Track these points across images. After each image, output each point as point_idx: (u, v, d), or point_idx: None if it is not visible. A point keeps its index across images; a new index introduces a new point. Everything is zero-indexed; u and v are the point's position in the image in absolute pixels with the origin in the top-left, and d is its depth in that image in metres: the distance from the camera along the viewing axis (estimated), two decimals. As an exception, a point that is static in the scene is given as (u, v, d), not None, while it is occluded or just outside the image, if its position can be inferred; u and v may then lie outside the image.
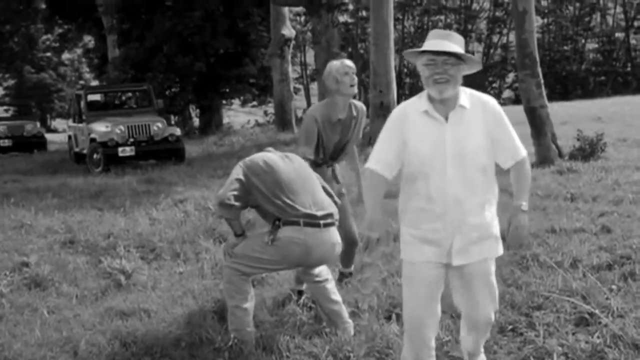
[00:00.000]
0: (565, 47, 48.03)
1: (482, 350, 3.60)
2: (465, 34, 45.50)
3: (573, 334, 3.97)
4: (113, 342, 4.27)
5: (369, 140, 11.37)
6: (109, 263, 6.08)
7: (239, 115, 38.76)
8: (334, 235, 4.18)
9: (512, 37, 40.19)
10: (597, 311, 4.12)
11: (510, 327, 4.17)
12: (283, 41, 21.03)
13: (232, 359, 3.97)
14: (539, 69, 11.54)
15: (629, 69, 47.83)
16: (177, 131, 15.74)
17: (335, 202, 4.36)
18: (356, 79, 4.90)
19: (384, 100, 14.74)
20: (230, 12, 24.52)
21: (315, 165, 4.75)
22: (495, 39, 50.46)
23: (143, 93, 17.67)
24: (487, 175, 3.22)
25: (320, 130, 4.87)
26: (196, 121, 28.57)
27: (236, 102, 32.14)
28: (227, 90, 26.88)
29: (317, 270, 4.29)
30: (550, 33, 48.34)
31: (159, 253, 6.59)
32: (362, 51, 45.96)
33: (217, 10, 24.35)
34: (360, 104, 5.10)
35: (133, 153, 14.62)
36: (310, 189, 4.22)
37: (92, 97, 17.29)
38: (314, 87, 44.15)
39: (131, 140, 14.71)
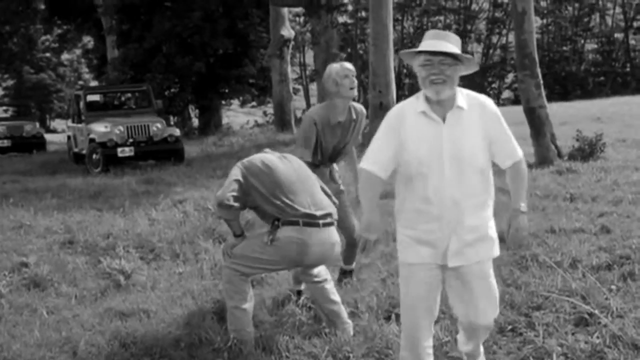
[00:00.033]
0: (565, 48, 48.09)
1: (482, 350, 3.61)
2: (464, 34, 45.61)
3: (572, 334, 3.97)
4: (112, 342, 4.27)
5: (369, 140, 11.30)
6: (108, 263, 6.08)
7: (238, 116, 38.82)
8: (333, 234, 4.19)
9: (511, 37, 40.23)
10: (596, 311, 4.12)
11: (509, 327, 4.17)
12: (282, 42, 21.03)
13: (231, 359, 3.97)
14: (538, 70, 11.54)
15: (628, 69, 47.89)
16: (177, 131, 15.74)
17: (334, 203, 4.37)
18: (356, 81, 4.89)
19: (383, 101, 14.76)
20: (229, 12, 24.53)
21: (314, 166, 4.75)
22: (494, 39, 50.50)
23: (142, 93, 17.67)
24: (484, 176, 3.22)
25: (319, 133, 4.86)
26: (195, 121, 28.58)
27: (235, 102, 32.19)
28: (227, 90, 26.90)
29: (316, 270, 4.29)
30: (550, 33, 48.37)
31: (158, 253, 6.59)
32: (361, 52, 45.99)
33: (217, 11, 24.36)
34: (359, 107, 5.09)
35: (132, 153, 14.62)
36: (309, 189, 4.22)
37: (91, 98, 17.30)
38: (313, 87, 44.19)
39: (130, 140, 14.71)
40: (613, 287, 4.67)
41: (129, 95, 18.99)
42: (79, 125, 16.01)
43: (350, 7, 43.41)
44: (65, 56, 56.49)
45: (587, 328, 4.06)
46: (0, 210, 8.99)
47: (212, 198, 7.87)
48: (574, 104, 26.97)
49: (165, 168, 13.85)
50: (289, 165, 4.28)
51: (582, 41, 48.07)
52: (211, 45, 24.10)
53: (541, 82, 11.48)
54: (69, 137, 17.47)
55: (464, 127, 3.17)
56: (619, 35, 48.40)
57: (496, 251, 3.32)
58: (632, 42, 48.08)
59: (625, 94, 33.61)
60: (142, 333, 4.37)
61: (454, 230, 3.17)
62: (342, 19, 40.66)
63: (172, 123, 22.04)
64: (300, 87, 44.84)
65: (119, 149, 14.47)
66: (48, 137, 26.85)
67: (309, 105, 43.92)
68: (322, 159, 4.96)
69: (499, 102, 39.53)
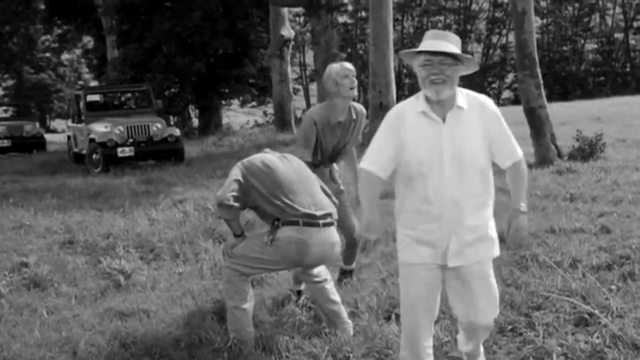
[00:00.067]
0: (565, 48, 48.11)
1: (482, 350, 3.61)
2: (464, 34, 45.62)
3: (572, 334, 3.97)
4: (112, 342, 4.27)
5: (369, 140, 11.31)
6: (108, 263, 6.08)
7: (238, 116, 38.83)
8: (333, 234, 4.19)
9: (511, 37, 40.23)
10: (596, 311, 4.12)
11: (509, 327, 4.17)
12: (282, 42, 21.03)
13: (231, 359, 3.97)
14: (538, 70, 11.54)
15: (628, 69, 47.91)
16: (177, 131, 15.75)
17: (334, 203, 4.37)
18: (356, 81, 4.88)
19: (383, 101, 14.76)
20: (229, 12, 24.53)
21: (314, 166, 4.75)
22: (494, 39, 50.51)
23: (142, 93, 17.68)
24: (484, 176, 3.22)
25: (319, 133, 4.86)
26: (195, 121, 28.58)
27: (235, 102, 32.20)
28: (227, 90, 26.90)
29: (316, 270, 4.29)
30: (550, 33, 48.39)
31: (158, 253, 6.59)
32: (361, 52, 46.00)
33: (217, 11, 24.36)
34: (360, 107, 5.09)
35: (132, 153, 14.62)
36: (309, 189, 4.22)
37: (91, 98, 17.30)
38: (313, 87, 44.20)
39: (130, 140, 14.71)
40: (613, 287, 4.67)
41: (129, 95, 18.99)
42: (79, 125, 16.01)
43: (350, 7, 43.43)
44: (65, 56, 56.50)
45: (587, 328, 4.06)
46: (0, 210, 8.99)
47: (212, 198, 7.86)
48: (574, 104, 26.98)
49: (165, 168, 13.85)
50: (289, 165, 4.28)
51: (582, 41, 48.09)
52: (211, 45, 24.10)
53: (541, 82, 11.48)
54: (69, 137, 17.47)
55: (464, 127, 3.16)
56: (619, 35, 48.43)
57: (496, 251, 3.32)
58: (632, 42, 48.10)
59: (625, 94, 33.62)
60: (142, 333, 4.37)
61: (454, 230, 3.16)
62: (342, 19, 40.70)
63: (172, 123, 22.05)
64: (300, 87, 44.86)
65: (119, 149, 14.48)
66: (48, 137, 26.85)
67: (309, 105, 43.93)
68: (322, 159, 4.96)
69: (499, 102, 39.56)
